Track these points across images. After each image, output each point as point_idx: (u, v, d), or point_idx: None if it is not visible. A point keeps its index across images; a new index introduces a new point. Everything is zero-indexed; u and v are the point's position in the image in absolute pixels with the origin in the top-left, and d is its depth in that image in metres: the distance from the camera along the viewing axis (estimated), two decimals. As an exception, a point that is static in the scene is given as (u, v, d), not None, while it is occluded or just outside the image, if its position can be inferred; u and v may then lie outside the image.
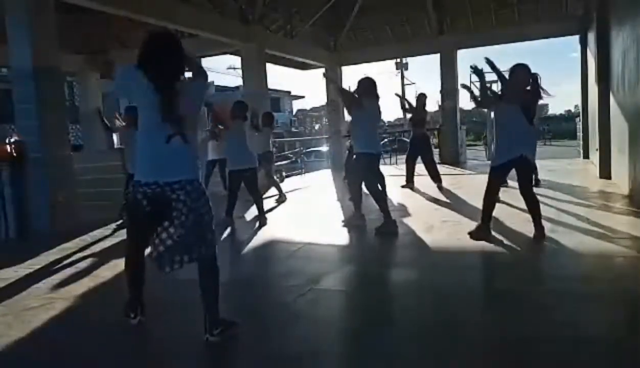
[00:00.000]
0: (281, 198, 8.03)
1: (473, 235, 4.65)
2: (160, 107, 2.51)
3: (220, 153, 7.90)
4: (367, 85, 5.39)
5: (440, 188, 8.20)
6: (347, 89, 5.72)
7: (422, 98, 8.70)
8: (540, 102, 4.90)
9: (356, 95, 5.43)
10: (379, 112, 5.62)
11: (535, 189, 7.26)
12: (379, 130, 5.39)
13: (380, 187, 5.53)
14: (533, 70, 4.51)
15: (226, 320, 2.75)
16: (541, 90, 4.72)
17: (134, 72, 2.57)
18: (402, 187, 8.55)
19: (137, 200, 2.60)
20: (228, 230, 5.92)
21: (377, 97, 5.44)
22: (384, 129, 26.20)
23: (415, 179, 8.67)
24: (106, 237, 5.92)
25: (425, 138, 8.75)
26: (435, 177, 8.44)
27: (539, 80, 4.85)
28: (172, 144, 2.54)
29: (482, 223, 4.66)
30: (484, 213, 4.66)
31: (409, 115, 9.28)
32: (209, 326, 2.67)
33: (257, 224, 6.09)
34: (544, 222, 5.15)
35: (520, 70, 4.52)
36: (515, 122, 4.43)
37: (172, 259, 2.53)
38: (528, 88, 4.53)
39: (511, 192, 6.70)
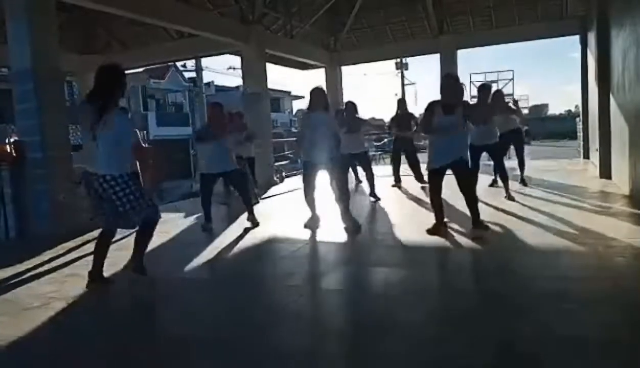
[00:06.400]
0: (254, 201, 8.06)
1: (430, 231, 4.93)
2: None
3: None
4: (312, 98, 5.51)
5: (424, 188, 8.24)
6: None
7: (402, 104, 9.04)
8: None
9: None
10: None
11: (530, 189, 7.36)
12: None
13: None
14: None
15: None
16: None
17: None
18: (392, 186, 8.77)
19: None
20: (228, 230, 5.90)
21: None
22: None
23: (402, 178, 8.92)
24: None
25: (408, 139, 8.74)
26: (419, 177, 8.64)
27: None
28: None
29: (436, 222, 4.97)
30: (435, 213, 4.99)
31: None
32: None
33: (250, 225, 5.99)
34: (544, 222, 5.19)
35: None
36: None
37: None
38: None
39: (501, 193, 6.71)
